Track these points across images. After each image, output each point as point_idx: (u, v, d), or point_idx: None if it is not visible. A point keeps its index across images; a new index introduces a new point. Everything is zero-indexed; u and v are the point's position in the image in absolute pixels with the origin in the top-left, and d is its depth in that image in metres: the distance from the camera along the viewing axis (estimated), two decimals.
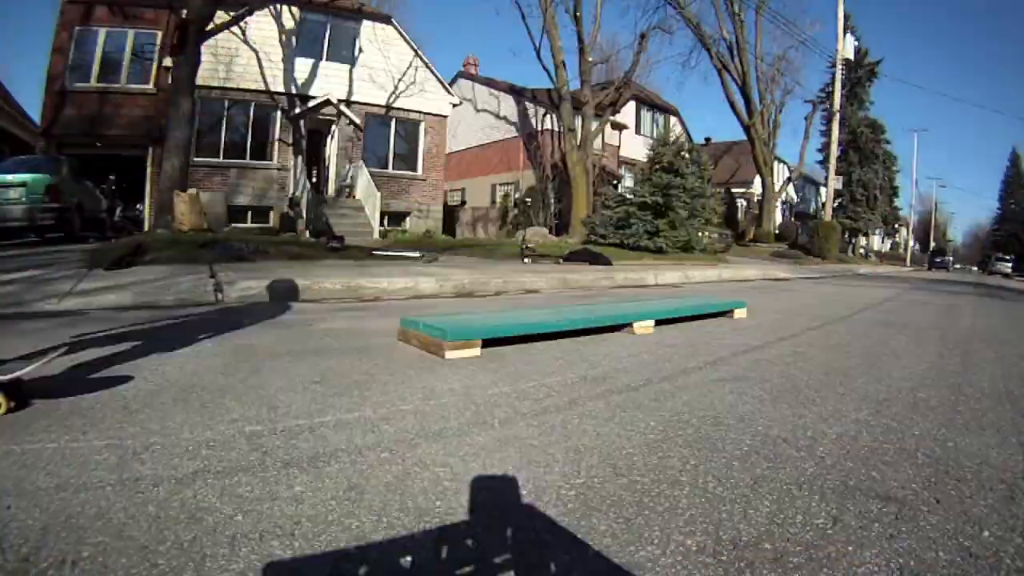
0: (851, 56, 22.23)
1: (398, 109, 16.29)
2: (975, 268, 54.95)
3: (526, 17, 16.18)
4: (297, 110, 14.70)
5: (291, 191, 14.21)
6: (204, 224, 9.89)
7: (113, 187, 11.07)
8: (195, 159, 13.10)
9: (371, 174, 14.64)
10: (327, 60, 15.30)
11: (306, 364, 2.09)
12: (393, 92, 16.13)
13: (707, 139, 38.32)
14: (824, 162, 29.63)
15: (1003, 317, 5.31)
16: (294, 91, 14.82)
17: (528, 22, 16.95)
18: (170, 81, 10.11)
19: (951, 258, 47.34)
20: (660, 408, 1.73)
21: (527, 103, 20.87)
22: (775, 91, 24.68)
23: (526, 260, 7.80)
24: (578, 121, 16.34)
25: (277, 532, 0.94)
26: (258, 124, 14.68)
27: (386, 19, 16.17)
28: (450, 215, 19.78)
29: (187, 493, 1.06)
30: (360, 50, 15.71)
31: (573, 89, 16.45)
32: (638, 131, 24.03)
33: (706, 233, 13.16)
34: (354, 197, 14.77)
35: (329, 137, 15.97)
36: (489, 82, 22.92)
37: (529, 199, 19.02)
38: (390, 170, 16.43)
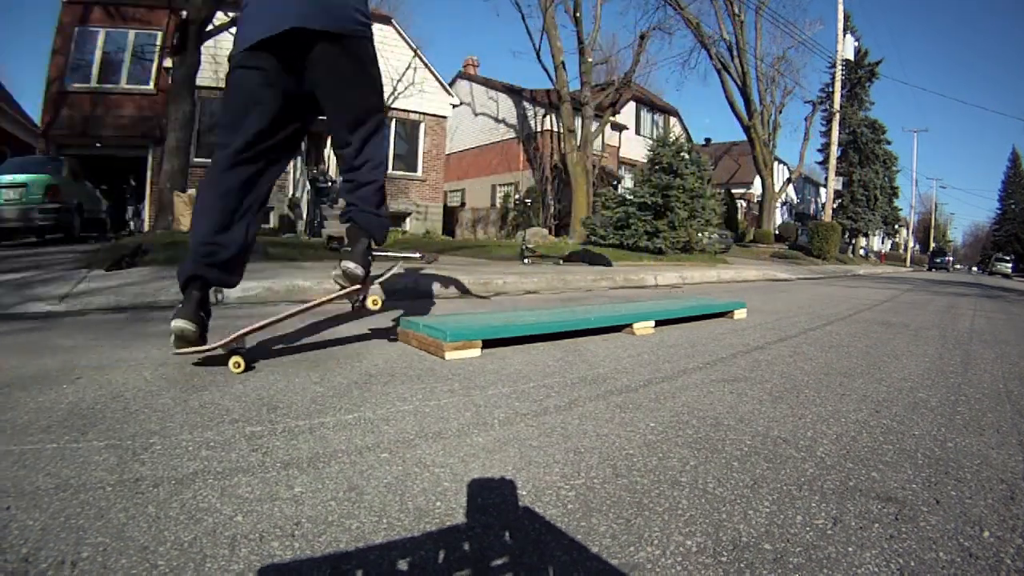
0: (851, 57, 22.24)
1: (398, 110, 16.30)
2: (975, 268, 55.01)
3: (526, 18, 16.27)
4: None
5: (291, 192, 14.22)
6: None
7: (128, 192, 11.03)
8: (195, 160, 13.13)
9: None
10: None
11: (305, 364, 2.09)
12: (392, 92, 16.12)
13: (707, 140, 38.39)
14: (824, 163, 29.67)
15: (1003, 317, 5.31)
16: None
17: (528, 23, 17.03)
18: (170, 82, 10.12)
19: (951, 258, 47.39)
20: (660, 409, 1.73)
21: (527, 104, 20.86)
22: (775, 92, 24.72)
23: (526, 261, 7.80)
24: (578, 122, 16.34)
25: (277, 533, 0.94)
26: None
27: (386, 19, 16.18)
28: (450, 216, 19.78)
29: (187, 494, 1.06)
30: None
31: (573, 90, 16.46)
32: (638, 132, 24.06)
33: (706, 234, 13.15)
34: None
35: (329, 138, 15.96)
36: (489, 83, 22.89)
37: (529, 200, 19.01)
38: (390, 170, 16.42)
